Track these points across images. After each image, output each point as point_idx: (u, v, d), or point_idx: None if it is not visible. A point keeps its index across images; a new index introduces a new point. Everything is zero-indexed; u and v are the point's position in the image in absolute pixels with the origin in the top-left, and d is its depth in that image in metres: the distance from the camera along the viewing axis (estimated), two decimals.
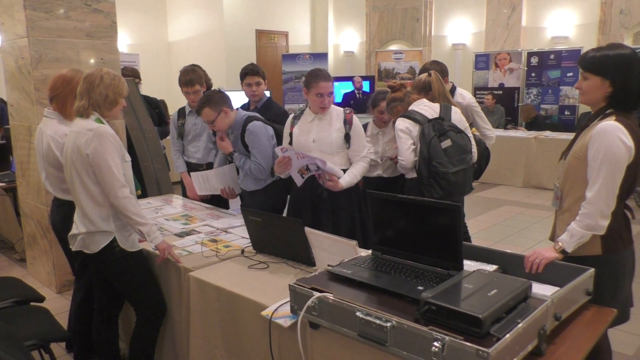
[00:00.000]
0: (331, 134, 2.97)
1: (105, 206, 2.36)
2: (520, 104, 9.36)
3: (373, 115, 3.64)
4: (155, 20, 11.22)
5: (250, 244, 2.58)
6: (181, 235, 2.86)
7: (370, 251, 2.01)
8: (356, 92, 10.33)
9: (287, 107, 9.06)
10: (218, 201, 3.65)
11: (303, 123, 3.05)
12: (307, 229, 2.22)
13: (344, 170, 2.98)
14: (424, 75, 3.37)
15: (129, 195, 2.35)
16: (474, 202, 6.69)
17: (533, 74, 9.32)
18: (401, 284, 1.69)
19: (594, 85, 2.03)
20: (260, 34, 11.21)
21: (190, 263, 2.41)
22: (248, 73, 3.67)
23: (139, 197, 3.25)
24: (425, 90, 3.29)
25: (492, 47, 10.05)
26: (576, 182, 2.07)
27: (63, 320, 2.84)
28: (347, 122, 3.00)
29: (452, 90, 3.93)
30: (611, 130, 1.93)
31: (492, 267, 1.94)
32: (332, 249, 2.12)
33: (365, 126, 3.48)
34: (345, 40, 12.55)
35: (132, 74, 5.10)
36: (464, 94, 4.03)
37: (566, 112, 9.05)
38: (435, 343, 1.37)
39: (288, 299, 1.79)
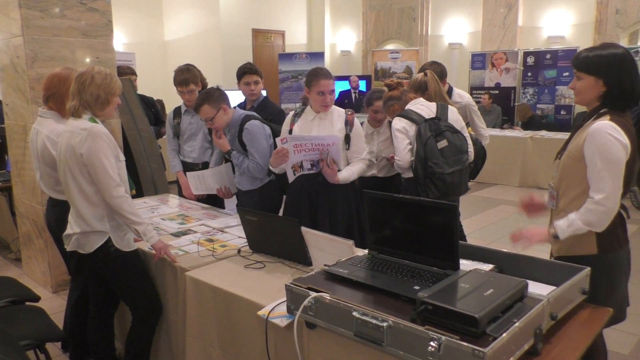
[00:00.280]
0: (332, 134, 2.96)
1: (99, 206, 2.35)
2: (516, 104, 9.38)
3: (367, 114, 3.64)
4: (151, 19, 11.19)
5: (247, 244, 2.57)
6: (177, 234, 2.85)
7: (366, 251, 2.01)
8: (352, 91, 10.34)
9: (283, 106, 9.06)
10: (214, 201, 3.64)
11: (304, 122, 3.04)
12: (304, 229, 2.22)
13: None
14: (420, 75, 3.37)
15: (124, 194, 2.34)
16: (470, 202, 6.69)
17: (529, 74, 9.34)
18: (397, 284, 1.69)
19: (588, 85, 2.03)
20: (256, 33, 11.19)
21: (187, 263, 2.41)
22: (246, 72, 3.66)
23: (134, 197, 3.24)
24: (421, 90, 3.29)
25: (488, 46, 10.07)
26: (572, 182, 2.07)
27: (58, 320, 2.82)
28: (348, 123, 2.99)
29: (449, 91, 3.93)
30: (604, 130, 1.94)
31: (488, 267, 1.93)
32: (328, 249, 2.12)
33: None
34: (342, 40, 12.55)
35: (128, 72, 5.08)
36: (462, 94, 4.03)
37: (562, 112, 9.07)
38: (432, 343, 1.37)
39: (284, 298, 1.79)
